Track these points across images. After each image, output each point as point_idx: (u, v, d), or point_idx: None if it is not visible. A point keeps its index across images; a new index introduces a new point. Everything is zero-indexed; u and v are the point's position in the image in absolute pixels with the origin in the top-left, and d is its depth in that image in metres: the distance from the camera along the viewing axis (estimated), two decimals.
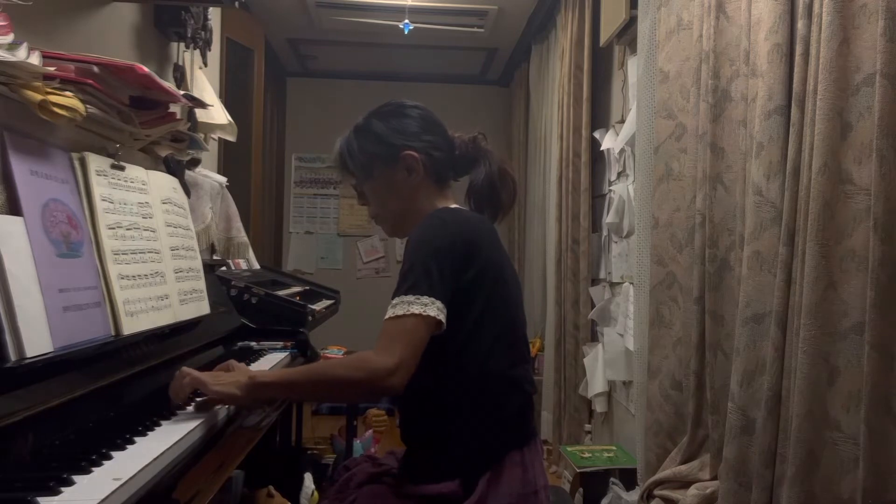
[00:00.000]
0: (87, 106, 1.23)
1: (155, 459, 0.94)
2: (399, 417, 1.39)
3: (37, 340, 0.99)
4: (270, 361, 1.67)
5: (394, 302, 1.17)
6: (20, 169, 1.08)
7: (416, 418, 1.33)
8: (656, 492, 2.09)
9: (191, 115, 2.11)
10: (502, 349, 1.27)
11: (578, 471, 2.55)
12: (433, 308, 1.15)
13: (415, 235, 1.24)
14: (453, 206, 1.38)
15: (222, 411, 1.22)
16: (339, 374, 1.16)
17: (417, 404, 1.32)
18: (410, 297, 1.15)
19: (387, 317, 1.16)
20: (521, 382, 1.30)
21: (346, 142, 1.40)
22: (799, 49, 1.58)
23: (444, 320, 1.17)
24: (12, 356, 0.94)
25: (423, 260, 1.19)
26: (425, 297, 1.15)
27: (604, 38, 3.02)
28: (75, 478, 0.85)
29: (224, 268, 2.28)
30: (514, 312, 1.32)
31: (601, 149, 3.10)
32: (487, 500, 1.20)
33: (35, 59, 1.11)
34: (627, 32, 2.83)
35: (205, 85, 2.48)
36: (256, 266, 2.74)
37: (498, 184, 1.40)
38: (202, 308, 1.61)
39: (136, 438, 1.02)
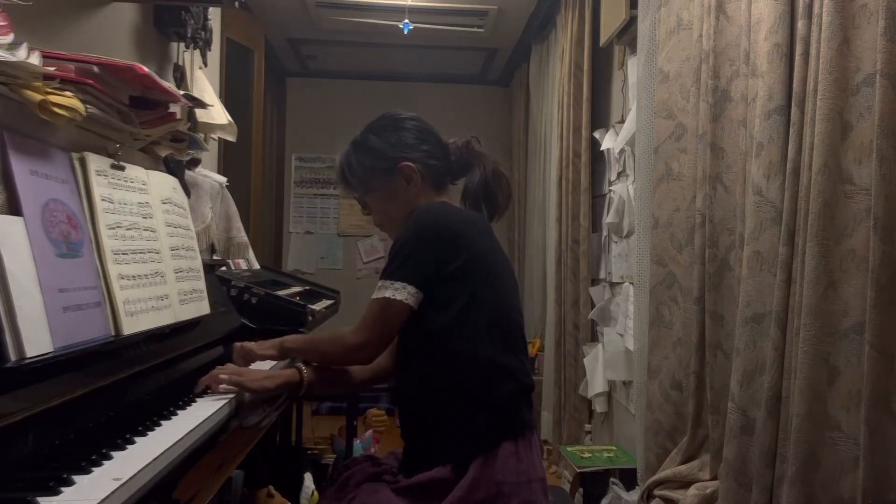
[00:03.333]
0: (87, 106, 1.23)
1: (155, 459, 0.94)
2: (398, 413, 1.43)
3: (37, 340, 0.99)
4: (270, 362, 1.67)
5: (377, 285, 1.31)
6: (20, 169, 1.08)
7: (411, 408, 1.38)
8: (656, 492, 2.09)
9: (191, 115, 2.11)
10: (493, 336, 1.31)
11: (578, 471, 2.55)
12: (403, 292, 1.27)
13: (405, 228, 1.34)
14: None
15: (223, 411, 1.22)
16: (323, 348, 1.40)
17: (411, 394, 1.37)
18: (387, 283, 1.29)
19: (372, 297, 1.31)
20: (514, 371, 1.32)
21: (345, 158, 1.47)
22: (799, 49, 1.58)
23: (412, 304, 1.28)
24: (12, 356, 0.94)
25: (404, 247, 1.30)
26: (398, 282, 1.28)
27: (604, 38, 3.02)
28: (75, 478, 0.85)
29: (224, 268, 2.27)
30: (505, 303, 1.35)
31: (601, 149, 3.10)
32: (479, 484, 1.22)
33: (35, 59, 1.11)
34: (627, 32, 2.83)
35: (205, 85, 2.48)
36: (256, 266, 2.74)
37: (493, 185, 1.46)
38: (202, 308, 1.61)
39: (136, 438, 1.02)
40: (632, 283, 2.63)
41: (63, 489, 0.82)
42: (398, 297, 1.27)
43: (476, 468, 1.23)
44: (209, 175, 2.45)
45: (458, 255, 1.29)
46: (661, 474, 2.12)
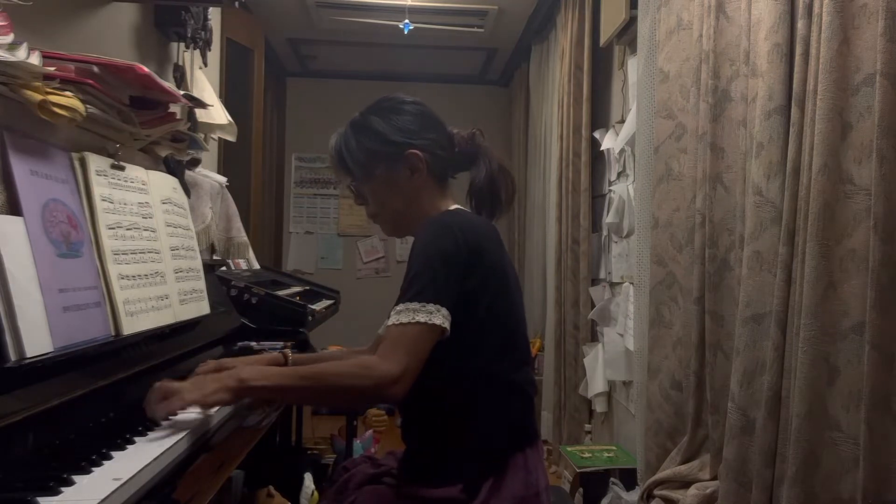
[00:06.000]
0: (87, 106, 1.23)
1: (155, 459, 0.94)
2: (400, 418, 1.37)
3: (37, 340, 0.99)
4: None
5: (398, 308, 1.16)
6: (20, 169, 1.08)
7: (419, 420, 1.32)
8: (656, 492, 2.09)
9: (191, 115, 2.11)
10: (505, 353, 1.26)
11: (578, 471, 2.55)
12: (438, 316, 1.14)
13: (420, 240, 1.22)
14: (454, 206, 1.36)
15: (223, 412, 1.22)
16: (342, 382, 1.16)
17: (420, 407, 1.30)
18: (416, 305, 1.14)
19: (391, 323, 1.15)
20: (523, 385, 1.29)
21: (343, 139, 1.34)
22: (799, 49, 1.58)
23: (448, 327, 1.15)
24: (12, 356, 0.94)
25: (429, 265, 1.17)
26: (431, 304, 1.14)
27: (604, 38, 3.02)
28: (75, 478, 0.85)
29: (224, 268, 2.28)
30: (516, 316, 1.30)
31: (601, 149, 3.10)
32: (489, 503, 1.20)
33: (35, 59, 1.11)
34: (627, 32, 2.83)
35: (205, 85, 2.48)
36: (256, 266, 2.74)
37: (498, 182, 1.38)
38: (202, 308, 1.61)
39: (136, 438, 1.02)
40: (632, 283, 2.63)
41: (63, 489, 0.83)
42: (436, 321, 1.13)
43: (487, 489, 1.20)
44: (209, 175, 2.45)
45: (476, 272, 1.21)
46: (661, 474, 2.12)
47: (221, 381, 1.13)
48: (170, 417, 1.13)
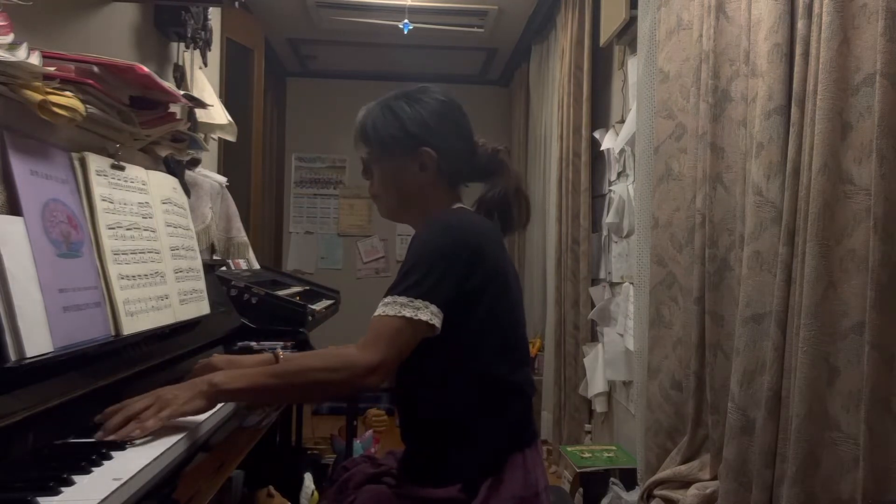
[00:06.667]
0: (87, 106, 1.23)
1: (155, 459, 0.94)
2: (398, 418, 1.37)
3: (37, 340, 0.99)
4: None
5: (386, 300, 1.16)
6: (20, 169, 1.08)
7: (418, 421, 1.32)
8: (656, 492, 2.09)
9: (191, 115, 2.11)
10: (504, 354, 1.26)
11: (578, 471, 2.55)
12: (426, 312, 1.14)
13: (420, 237, 1.23)
14: (457, 205, 1.35)
15: (223, 411, 1.22)
16: (318, 375, 1.15)
17: (419, 407, 1.31)
18: (403, 299, 1.14)
19: (377, 314, 1.15)
20: (523, 386, 1.29)
21: (371, 114, 1.35)
22: (799, 49, 1.59)
23: (437, 324, 1.15)
24: (12, 356, 0.94)
25: (425, 262, 1.18)
26: (419, 300, 1.14)
27: (604, 38, 3.02)
28: (75, 478, 0.85)
29: (224, 268, 2.28)
30: (516, 317, 1.31)
31: (601, 149, 3.10)
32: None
33: (35, 59, 1.11)
34: (627, 32, 2.84)
35: (205, 85, 2.48)
36: (256, 266, 2.74)
37: (511, 203, 1.37)
38: (202, 308, 1.61)
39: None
40: (632, 283, 2.63)
41: (63, 489, 0.82)
42: (422, 317, 1.13)
43: (486, 489, 1.20)
44: (209, 175, 2.46)
45: (477, 273, 1.20)
46: (661, 474, 2.12)
47: (196, 387, 1.11)
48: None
